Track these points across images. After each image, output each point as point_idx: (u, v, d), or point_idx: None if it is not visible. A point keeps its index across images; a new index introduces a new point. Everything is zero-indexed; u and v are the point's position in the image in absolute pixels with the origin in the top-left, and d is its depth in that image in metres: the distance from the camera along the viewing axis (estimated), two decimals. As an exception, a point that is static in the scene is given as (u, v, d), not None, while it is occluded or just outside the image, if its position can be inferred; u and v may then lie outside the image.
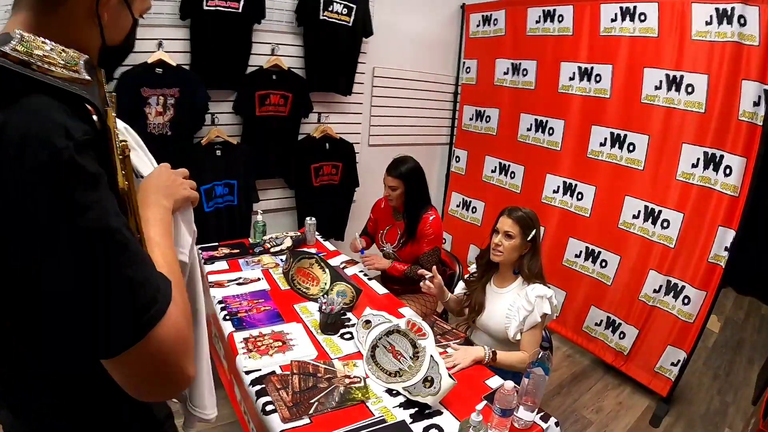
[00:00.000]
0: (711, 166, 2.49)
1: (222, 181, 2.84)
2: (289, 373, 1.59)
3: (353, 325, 1.94)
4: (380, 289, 2.31)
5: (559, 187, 3.21)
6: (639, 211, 2.78)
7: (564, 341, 3.33)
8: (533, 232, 1.84)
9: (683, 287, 2.61)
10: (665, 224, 2.67)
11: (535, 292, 1.79)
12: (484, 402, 1.35)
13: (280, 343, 1.76)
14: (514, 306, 1.84)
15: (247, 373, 1.60)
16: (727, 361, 3.34)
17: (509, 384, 1.36)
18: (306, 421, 1.39)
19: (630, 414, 2.70)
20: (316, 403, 1.48)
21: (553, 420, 1.50)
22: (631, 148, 2.79)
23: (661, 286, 2.70)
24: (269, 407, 1.44)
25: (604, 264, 2.99)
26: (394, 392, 1.56)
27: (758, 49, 2.28)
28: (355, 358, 1.73)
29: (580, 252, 3.12)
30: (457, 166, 4.08)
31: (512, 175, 3.56)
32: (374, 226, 2.66)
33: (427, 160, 4.01)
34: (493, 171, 3.71)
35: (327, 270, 2.18)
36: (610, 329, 2.98)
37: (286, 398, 1.48)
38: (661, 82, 2.62)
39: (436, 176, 4.24)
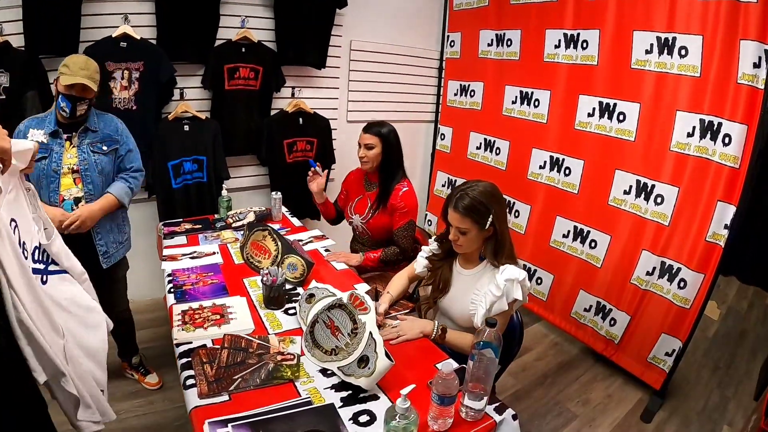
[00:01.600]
0: (708, 135, 2.23)
1: (190, 157, 2.68)
2: (219, 347, 1.42)
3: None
4: (339, 265, 2.11)
5: (545, 162, 2.97)
6: (630, 186, 2.53)
7: (551, 328, 3.09)
8: (490, 217, 1.50)
9: (679, 269, 2.36)
10: (659, 200, 2.42)
11: (504, 275, 1.50)
12: (413, 386, 1.12)
13: (218, 317, 1.60)
14: (481, 290, 1.58)
15: (177, 345, 1.45)
16: (729, 353, 3.05)
17: (448, 366, 1.14)
18: (224, 398, 1.22)
19: (619, 408, 2.45)
20: (240, 379, 1.29)
21: (509, 412, 1.27)
22: (621, 117, 2.54)
23: (654, 268, 2.45)
24: (190, 381, 1.28)
25: (593, 244, 2.75)
26: (329, 372, 1.36)
27: (756, 5, 2.01)
28: (294, 334, 1.54)
29: (568, 232, 2.88)
30: (442, 143, 3.85)
31: (497, 151, 3.32)
32: (345, 199, 2.45)
33: (412, 139, 3.83)
34: (478, 147, 3.49)
35: (279, 242, 1.99)
36: (600, 315, 2.73)
37: (209, 373, 1.32)
38: (651, 45, 2.37)
39: (421, 155, 4.04)
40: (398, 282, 1.86)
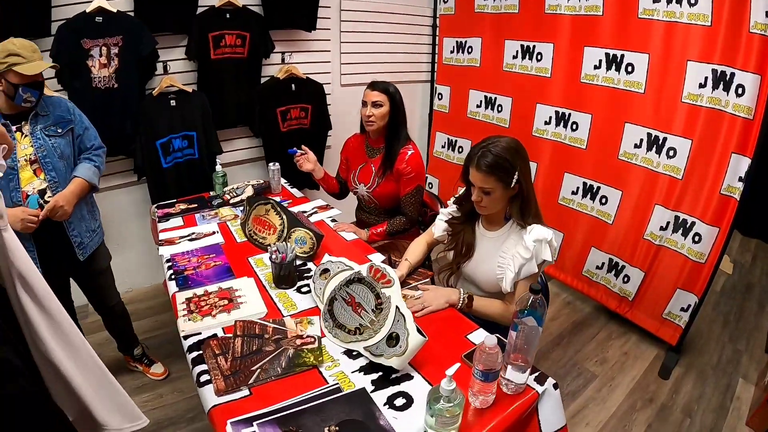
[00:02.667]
0: (721, 86, 2.11)
1: (179, 133, 2.50)
2: (231, 335, 1.30)
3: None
4: (348, 235, 1.98)
5: (551, 117, 2.83)
6: (641, 140, 2.41)
7: (563, 287, 3.02)
8: (516, 174, 1.37)
9: (693, 223, 2.27)
10: (671, 153, 2.31)
11: (532, 235, 1.39)
12: (458, 365, 1.02)
13: (226, 302, 1.47)
14: (508, 252, 1.46)
15: (185, 338, 1.32)
16: (737, 306, 3.02)
17: (491, 339, 1.04)
18: (244, 392, 1.11)
19: (637, 365, 2.41)
20: (259, 370, 1.18)
21: (550, 382, 1.18)
22: (629, 69, 2.39)
23: (668, 223, 2.36)
24: (204, 377, 1.16)
25: (604, 200, 2.65)
26: (355, 353, 1.25)
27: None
28: (311, 314, 1.42)
29: (577, 188, 2.77)
30: (439, 104, 3.68)
31: (499, 109, 3.17)
32: (346, 168, 2.29)
33: (407, 100, 3.54)
34: (478, 106, 3.32)
35: (284, 215, 1.85)
36: (613, 272, 2.66)
37: (224, 366, 1.19)
38: (660, -7, 2.22)
39: (418, 117, 3.87)
40: (416, 248, 1.75)
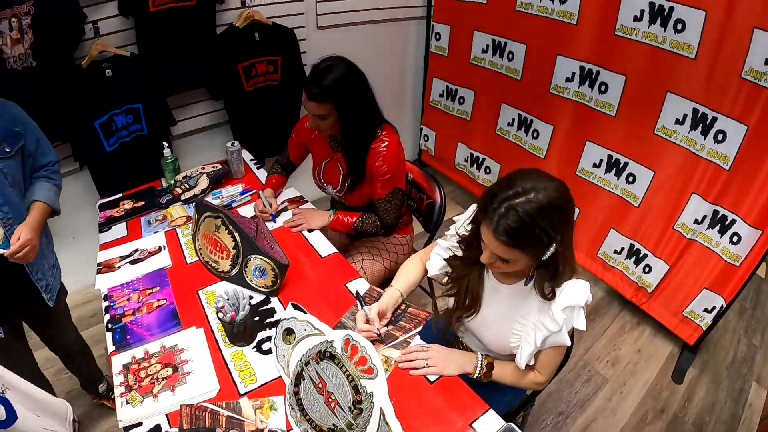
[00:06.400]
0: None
1: (121, 108, 2.24)
2: (176, 430, 1.18)
3: (276, 325, 1.39)
4: (324, 247, 1.76)
5: (574, 73, 2.48)
6: (685, 115, 2.11)
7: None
8: (553, 247, 1.04)
9: (733, 221, 2.07)
10: (720, 137, 2.02)
11: (564, 299, 1.10)
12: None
13: (170, 371, 1.31)
14: (528, 319, 1.21)
15: (126, 430, 1.19)
16: (753, 291, 2.91)
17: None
18: None
19: (650, 366, 2.36)
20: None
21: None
22: (679, 26, 2.01)
23: (705, 217, 2.16)
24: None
25: (631, 179, 2.41)
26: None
27: None
28: (274, 393, 1.27)
29: (600, 161, 2.52)
30: (437, 45, 3.28)
31: (510, 56, 2.79)
32: (300, 152, 1.99)
33: (399, 40, 3.25)
34: (484, 51, 2.94)
35: (237, 236, 1.58)
36: (633, 260, 2.50)
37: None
38: None
39: (412, 59, 3.48)
40: (409, 272, 1.50)
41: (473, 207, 1.32)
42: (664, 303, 2.42)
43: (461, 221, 1.35)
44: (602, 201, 2.57)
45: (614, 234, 2.55)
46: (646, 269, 2.44)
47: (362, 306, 1.41)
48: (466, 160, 3.38)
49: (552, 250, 1.03)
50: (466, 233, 1.28)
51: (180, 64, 2.33)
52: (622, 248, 2.54)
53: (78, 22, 2.03)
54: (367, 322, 1.37)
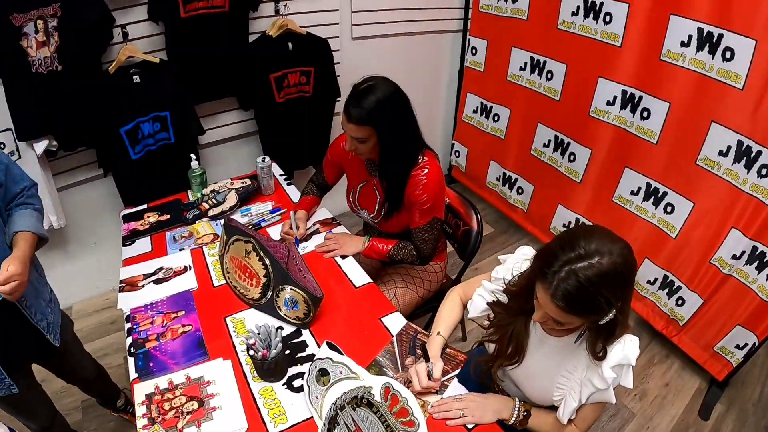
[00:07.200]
0: None
1: (148, 115, 2.22)
2: None
3: (308, 360, 1.39)
4: (359, 277, 1.72)
5: (615, 97, 2.42)
6: (729, 147, 2.05)
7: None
8: (612, 313, 0.99)
9: (773, 259, 2.02)
10: (764, 171, 1.95)
11: (614, 358, 1.07)
12: None
13: (196, 404, 1.29)
14: (574, 374, 1.17)
15: None
16: None
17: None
18: None
19: (677, 401, 2.32)
20: None
21: None
22: (728, 55, 1.94)
23: (743, 252, 2.10)
24: None
25: (669, 209, 2.36)
26: None
27: None
28: None
29: (638, 189, 2.47)
30: (473, 59, 3.22)
31: (549, 76, 2.74)
32: (335, 172, 1.95)
33: (433, 53, 3.22)
34: (522, 68, 2.89)
35: (268, 263, 1.55)
36: (666, 291, 2.46)
37: None
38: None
39: (446, 72, 3.44)
40: (450, 314, 1.45)
41: (522, 251, 1.31)
42: (695, 337, 2.38)
43: (509, 266, 1.31)
44: (638, 230, 2.52)
45: (648, 264, 2.50)
46: (679, 302, 2.39)
47: (427, 360, 1.36)
48: (498, 179, 3.34)
49: (611, 315, 0.99)
50: (514, 284, 1.24)
51: (210, 72, 2.31)
52: (656, 279, 2.49)
53: (106, 25, 2.01)
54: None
